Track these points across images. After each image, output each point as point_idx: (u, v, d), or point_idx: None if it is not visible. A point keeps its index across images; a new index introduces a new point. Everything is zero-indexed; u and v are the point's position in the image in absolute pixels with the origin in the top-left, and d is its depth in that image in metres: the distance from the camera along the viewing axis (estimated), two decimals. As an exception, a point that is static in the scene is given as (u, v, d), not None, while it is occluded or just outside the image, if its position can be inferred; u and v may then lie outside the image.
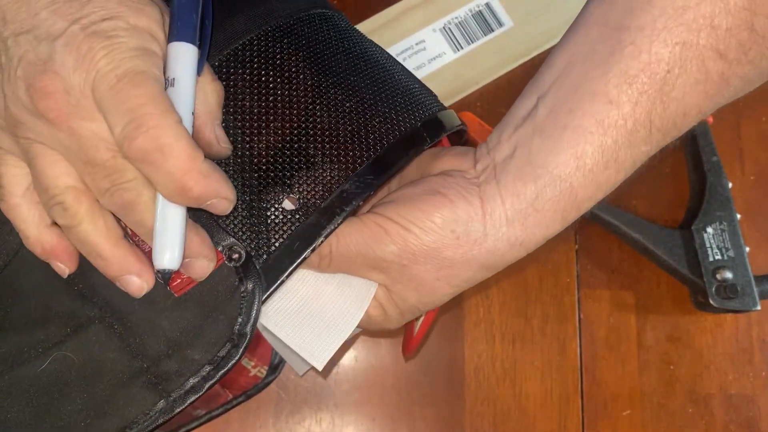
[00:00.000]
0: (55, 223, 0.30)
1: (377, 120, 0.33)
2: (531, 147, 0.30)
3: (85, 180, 0.28)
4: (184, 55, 0.28)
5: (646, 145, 0.30)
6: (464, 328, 0.51)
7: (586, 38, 0.30)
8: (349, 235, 0.31)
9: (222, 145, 0.30)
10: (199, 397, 0.30)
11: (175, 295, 0.30)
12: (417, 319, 0.38)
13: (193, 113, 0.29)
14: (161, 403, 0.30)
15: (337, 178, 0.32)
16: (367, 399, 0.49)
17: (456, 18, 0.56)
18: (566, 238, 0.53)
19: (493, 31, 0.56)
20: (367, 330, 0.37)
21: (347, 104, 0.33)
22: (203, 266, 0.30)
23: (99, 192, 0.28)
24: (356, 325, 0.33)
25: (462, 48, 0.56)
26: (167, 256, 0.28)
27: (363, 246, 0.31)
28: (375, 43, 0.38)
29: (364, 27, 0.55)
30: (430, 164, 0.34)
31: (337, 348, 0.32)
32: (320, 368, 0.32)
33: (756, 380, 0.51)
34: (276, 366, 0.46)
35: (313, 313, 0.32)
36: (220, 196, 0.28)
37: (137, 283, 0.29)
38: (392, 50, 0.55)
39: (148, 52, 0.27)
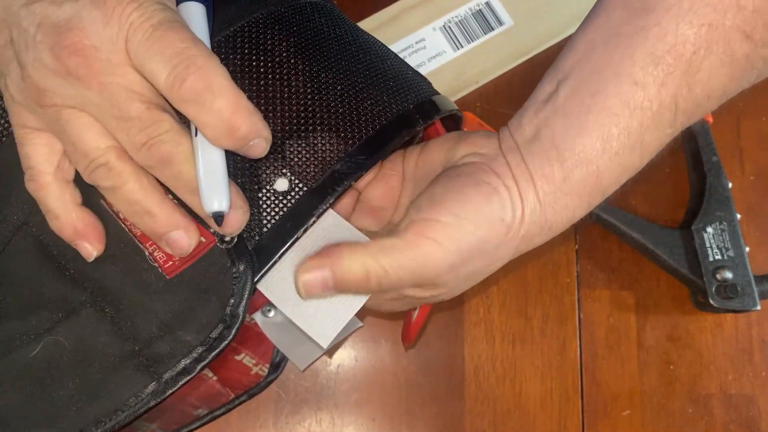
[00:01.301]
0: (83, 204, 0.30)
1: (369, 102, 0.33)
2: (555, 129, 0.30)
3: (119, 138, 0.28)
4: (196, 14, 0.29)
5: (671, 127, 0.29)
6: (464, 328, 0.51)
7: (608, 21, 0.29)
8: (397, 261, 0.29)
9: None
10: (191, 378, 0.30)
11: (167, 277, 0.31)
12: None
13: None
14: (153, 385, 0.30)
15: (329, 158, 0.32)
16: (367, 399, 0.49)
17: (456, 16, 0.56)
18: (566, 238, 0.53)
19: (493, 29, 0.56)
20: (373, 311, 0.36)
21: (338, 87, 0.33)
22: (239, 218, 0.29)
23: (135, 147, 0.27)
24: (364, 301, 0.32)
25: (462, 47, 0.56)
26: (216, 199, 0.28)
27: (416, 268, 0.29)
28: (366, 32, 0.38)
29: (364, 25, 0.55)
30: (454, 147, 0.33)
31: (343, 325, 0.32)
32: (325, 346, 0.31)
33: (756, 380, 0.51)
34: (278, 364, 0.46)
35: None
36: (262, 136, 0.28)
37: (185, 239, 0.29)
38: (392, 48, 0.55)
39: (170, 8, 0.28)
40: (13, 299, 0.31)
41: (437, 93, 0.37)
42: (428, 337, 0.51)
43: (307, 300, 0.31)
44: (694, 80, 0.28)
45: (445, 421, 0.49)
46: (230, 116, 0.26)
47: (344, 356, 0.50)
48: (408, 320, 0.39)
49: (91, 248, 0.30)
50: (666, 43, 0.28)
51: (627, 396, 0.50)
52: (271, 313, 0.37)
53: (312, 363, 0.38)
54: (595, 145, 0.29)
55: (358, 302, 0.32)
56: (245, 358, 0.45)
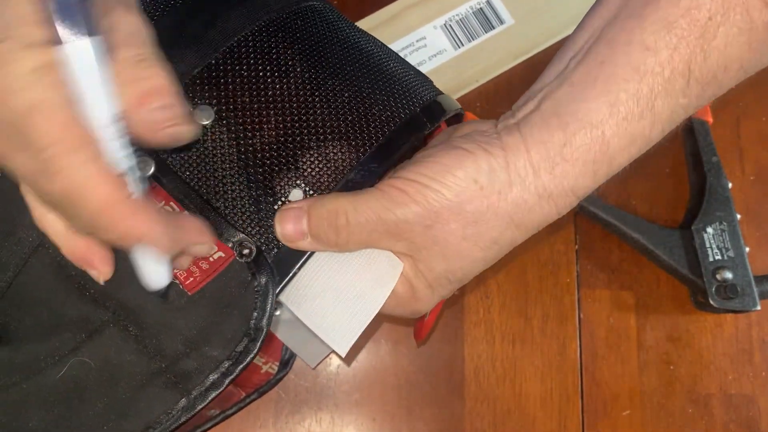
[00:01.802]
0: None
1: (377, 108, 0.33)
2: (558, 98, 0.29)
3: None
4: (79, 57, 0.24)
5: (684, 97, 0.28)
6: (464, 328, 0.51)
7: None
8: (366, 202, 0.30)
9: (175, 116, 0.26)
10: (220, 393, 0.30)
11: (189, 293, 0.31)
12: None
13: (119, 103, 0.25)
14: (183, 401, 0.30)
15: (341, 167, 0.32)
16: (367, 399, 0.49)
17: (457, 15, 0.56)
18: (566, 238, 0.53)
19: (494, 28, 0.56)
20: (390, 317, 0.36)
21: (346, 94, 0.33)
22: (200, 250, 0.29)
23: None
24: (380, 306, 0.32)
25: (463, 45, 0.56)
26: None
27: (382, 211, 0.29)
28: (366, 33, 0.38)
29: (365, 23, 0.56)
30: (451, 136, 0.33)
31: (360, 332, 0.32)
32: (343, 354, 0.32)
33: (756, 380, 0.51)
34: (287, 361, 0.46)
35: (335, 297, 0.32)
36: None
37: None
38: (393, 47, 0.55)
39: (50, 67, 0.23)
40: (33, 321, 0.31)
41: (440, 92, 0.37)
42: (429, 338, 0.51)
43: (323, 307, 0.32)
44: (709, 47, 0.27)
45: (445, 421, 0.49)
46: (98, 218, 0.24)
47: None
48: (420, 318, 0.39)
49: (96, 273, 0.29)
50: (680, 8, 0.27)
51: (627, 396, 0.50)
52: (278, 312, 0.37)
53: (322, 361, 0.38)
54: (600, 109, 0.28)
55: (376, 305, 0.32)
56: (255, 358, 0.45)
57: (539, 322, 0.51)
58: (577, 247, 0.53)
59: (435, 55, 0.55)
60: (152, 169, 0.28)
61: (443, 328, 0.51)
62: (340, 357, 0.32)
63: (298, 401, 0.49)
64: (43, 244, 0.31)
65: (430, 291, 0.32)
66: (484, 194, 0.29)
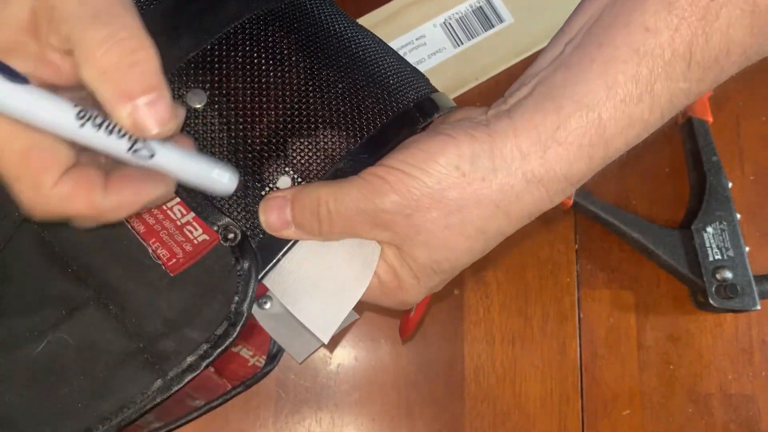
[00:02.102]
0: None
1: (370, 100, 0.33)
2: (553, 82, 0.28)
3: None
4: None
5: (685, 81, 0.27)
6: (464, 328, 0.51)
7: None
8: (347, 193, 0.29)
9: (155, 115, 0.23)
10: (196, 375, 0.30)
11: (171, 275, 0.31)
12: None
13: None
14: (158, 382, 0.30)
15: (331, 156, 0.32)
16: (367, 399, 0.49)
17: (456, 13, 0.56)
18: (566, 238, 0.53)
19: (493, 26, 0.56)
20: (379, 309, 0.35)
21: (339, 85, 0.33)
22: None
23: None
24: (361, 294, 0.32)
25: (462, 43, 0.56)
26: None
27: (362, 200, 0.29)
28: (364, 28, 0.38)
29: (365, 21, 0.56)
30: (440, 123, 0.32)
31: (342, 318, 0.32)
32: (326, 340, 0.31)
33: (756, 380, 0.51)
34: (274, 355, 0.46)
35: (319, 284, 0.32)
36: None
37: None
38: (392, 45, 0.55)
39: None
40: (15, 296, 0.31)
41: (436, 90, 0.37)
42: (428, 337, 0.51)
43: (307, 293, 0.31)
44: (711, 29, 0.26)
45: (445, 421, 0.49)
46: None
47: (344, 356, 0.50)
48: (406, 315, 0.38)
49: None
50: None
51: (627, 396, 0.50)
52: (267, 305, 0.37)
53: (309, 356, 0.38)
54: (597, 91, 0.27)
55: (359, 291, 0.32)
56: (242, 350, 0.45)
57: (539, 322, 0.51)
58: (577, 247, 0.53)
59: (434, 54, 0.55)
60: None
61: (443, 327, 0.51)
62: (323, 344, 0.32)
63: (298, 401, 0.49)
64: (28, 219, 0.31)
65: (416, 281, 0.32)
66: (466, 181, 0.28)
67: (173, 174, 0.26)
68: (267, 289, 0.35)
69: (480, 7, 0.57)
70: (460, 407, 0.49)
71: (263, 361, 0.46)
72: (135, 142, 0.24)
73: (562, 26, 0.30)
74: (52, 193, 0.24)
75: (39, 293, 0.31)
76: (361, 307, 0.32)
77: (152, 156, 0.25)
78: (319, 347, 0.38)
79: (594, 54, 0.27)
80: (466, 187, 0.28)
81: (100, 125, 0.23)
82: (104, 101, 0.23)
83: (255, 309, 0.38)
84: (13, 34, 0.23)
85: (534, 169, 0.28)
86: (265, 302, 0.37)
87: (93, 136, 0.23)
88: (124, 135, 0.23)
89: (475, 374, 0.50)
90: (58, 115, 0.22)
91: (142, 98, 0.23)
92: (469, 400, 0.50)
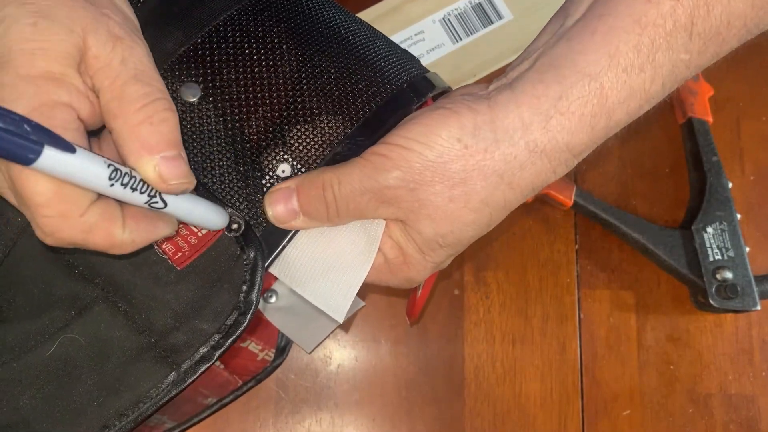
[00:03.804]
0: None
1: (363, 84, 0.33)
2: (555, 53, 0.28)
3: None
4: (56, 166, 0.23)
5: (686, 52, 0.28)
6: (464, 328, 0.51)
7: None
8: (350, 174, 0.29)
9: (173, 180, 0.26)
10: (210, 366, 0.30)
11: (178, 268, 0.31)
12: None
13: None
14: (172, 375, 0.30)
15: (329, 141, 0.32)
16: (367, 399, 0.49)
17: (456, 9, 0.56)
18: (566, 238, 0.53)
19: (492, 23, 0.56)
20: (386, 288, 0.35)
21: (332, 71, 0.33)
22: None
23: None
24: (369, 269, 0.32)
25: (461, 39, 0.56)
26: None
27: (366, 179, 0.29)
28: (352, 14, 0.38)
29: (364, 16, 0.56)
30: (440, 100, 0.32)
31: (354, 295, 0.32)
32: (340, 320, 0.32)
33: (756, 380, 0.51)
34: (283, 348, 0.46)
35: (326, 266, 0.32)
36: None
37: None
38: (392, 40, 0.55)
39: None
40: (23, 301, 0.31)
41: (428, 71, 0.37)
42: (428, 337, 0.51)
43: (316, 276, 0.32)
44: (713, 0, 0.27)
45: (445, 421, 0.49)
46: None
47: (344, 356, 0.50)
48: (413, 296, 0.38)
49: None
50: None
51: (627, 396, 0.50)
52: (273, 299, 0.37)
53: (318, 345, 0.38)
54: (599, 61, 0.27)
55: (366, 266, 0.32)
56: (251, 345, 0.45)
57: (539, 322, 0.51)
58: (577, 247, 0.53)
59: (433, 49, 0.56)
60: None
61: (443, 328, 0.51)
62: (327, 329, 0.32)
63: (298, 401, 0.49)
64: None
65: (422, 256, 0.32)
66: (469, 153, 0.28)
67: (180, 218, 0.28)
68: (271, 284, 0.35)
69: (479, 3, 0.57)
70: (460, 407, 0.49)
71: (272, 355, 0.46)
72: (153, 196, 0.26)
73: (563, 3, 0.30)
74: (79, 222, 0.24)
75: (47, 295, 0.31)
76: (368, 290, 0.32)
77: (165, 206, 0.27)
78: (327, 337, 0.38)
79: (595, 25, 0.28)
80: (469, 158, 0.28)
81: (126, 184, 0.25)
82: (130, 152, 0.25)
83: (261, 303, 0.38)
84: (61, 65, 0.24)
85: (536, 139, 0.28)
86: (270, 296, 0.37)
87: (118, 192, 0.25)
88: (145, 191, 0.26)
89: (475, 374, 0.50)
90: (93, 178, 0.24)
91: (166, 152, 0.25)
92: (469, 400, 0.50)
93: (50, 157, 0.22)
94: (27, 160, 0.21)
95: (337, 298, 0.32)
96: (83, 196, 0.24)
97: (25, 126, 0.21)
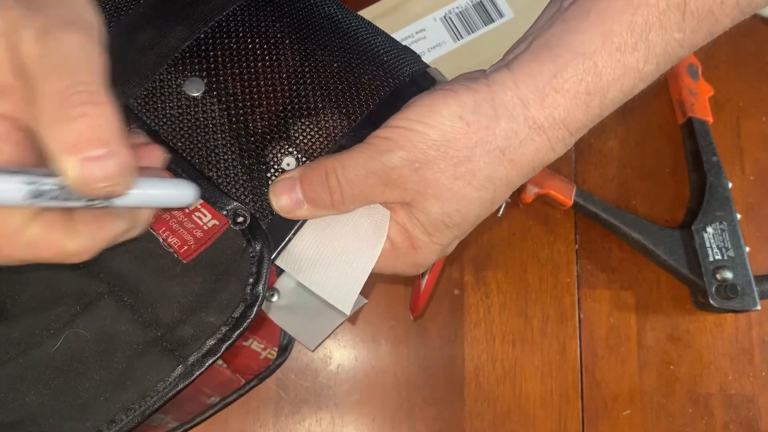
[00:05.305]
0: None
1: (366, 77, 0.34)
2: (550, 34, 0.29)
3: None
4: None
5: (680, 31, 0.28)
6: (464, 328, 0.51)
7: None
8: (353, 158, 0.30)
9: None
10: (217, 358, 0.30)
11: (184, 261, 0.31)
12: (423, 275, 0.37)
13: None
14: (179, 369, 0.30)
15: (333, 134, 0.32)
16: (367, 399, 0.49)
17: (457, 7, 0.56)
18: (566, 238, 0.53)
19: (493, 21, 0.56)
20: (392, 276, 0.35)
21: (335, 65, 0.34)
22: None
23: None
24: (376, 259, 0.32)
25: (462, 37, 0.56)
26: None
27: (370, 162, 0.29)
28: (353, 11, 0.39)
29: (366, 14, 0.56)
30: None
31: (360, 287, 0.32)
32: (348, 312, 0.32)
33: (756, 380, 0.51)
34: (286, 346, 0.46)
35: (332, 257, 0.32)
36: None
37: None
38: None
39: None
40: (28, 297, 0.31)
41: (428, 66, 0.38)
42: (428, 337, 0.51)
43: (322, 268, 0.32)
44: None
45: (445, 421, 0.49)
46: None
47: (344, 356, 0.50)
48: (417, 289, 0.39)
49: None
50: None
51: (627, 396, 0.50)
52: (275, 298, 0.37)
53: (321, 342, 0.38)
54: (594, 40, 0.28)
55: (372, 257, 0.32)
56: (253, 344, 0.45)
57: (539, 322, 0.51)
58: (577, 247, 0.53)
59: (434, 47, 0.56)
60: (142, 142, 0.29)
61: (443, 328, 0.51)
62: (331, 325, 0.32)
63: (298, 401, 0.49)
64: None
65: (428, 238, 0.32)
66: (471, 130, 0.29)
67: (137, 207, 0.25)
68: (273, 282, 0.36)
69: (480, 1, 0.57)
70: (460, 407, 0.49)
71: (275, 353, 0.46)
72: (92, 199, 0.23)
73: None
74: (20, 240, 0.23)
75: (52, 291, 0.31)
76: (369, 290, 0.32)
77: (111, 203, 0.24)
78: (330, 335, 0.38)
79: (589, 6, 0.28)
80: (471, 136, 0.29)
81: (56, 197, 0.22)
82: (50, 156, 0.22)
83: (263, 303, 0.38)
84: (2, 76, 0.22)
85: (534, 116, 0.29)
86: (273, 295, 0.37)
87: (52, 204, 0.23)
88: (80, 198, 0.23)
89: (475, 374, 0.50)
90: (12, 198, 0.22)
91: (88, 152, 0.21)
92: (469, 400, 0.50)
93: None
94: None
95: (344, 290, 0.32)
96: (16, 213, 0.22)
97: None
